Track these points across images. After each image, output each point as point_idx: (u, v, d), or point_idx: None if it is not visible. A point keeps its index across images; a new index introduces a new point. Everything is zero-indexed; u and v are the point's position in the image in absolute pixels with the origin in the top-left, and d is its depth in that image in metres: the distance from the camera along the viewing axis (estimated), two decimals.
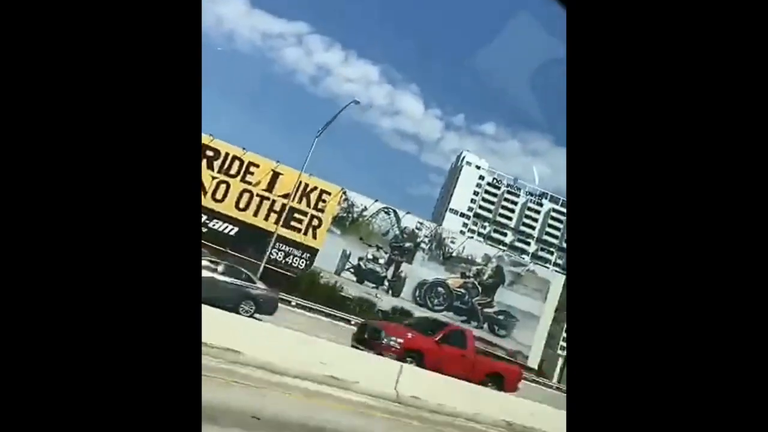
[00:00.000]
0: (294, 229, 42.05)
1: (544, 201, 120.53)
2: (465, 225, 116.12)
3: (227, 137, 44.07)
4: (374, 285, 42.91)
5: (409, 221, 45.21)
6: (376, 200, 44.79)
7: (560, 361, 53.87)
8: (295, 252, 41.68)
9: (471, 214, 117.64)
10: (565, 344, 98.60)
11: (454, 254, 45.39)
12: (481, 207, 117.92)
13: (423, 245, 45.04)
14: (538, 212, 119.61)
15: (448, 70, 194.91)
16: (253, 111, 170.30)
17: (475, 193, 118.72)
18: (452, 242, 46.13)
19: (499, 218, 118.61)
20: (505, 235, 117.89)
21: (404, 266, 44.10)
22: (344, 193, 44.18)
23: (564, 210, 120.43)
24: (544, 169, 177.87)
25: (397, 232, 44.68)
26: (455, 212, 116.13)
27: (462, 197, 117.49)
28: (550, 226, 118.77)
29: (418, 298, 43.45)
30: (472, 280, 45.14)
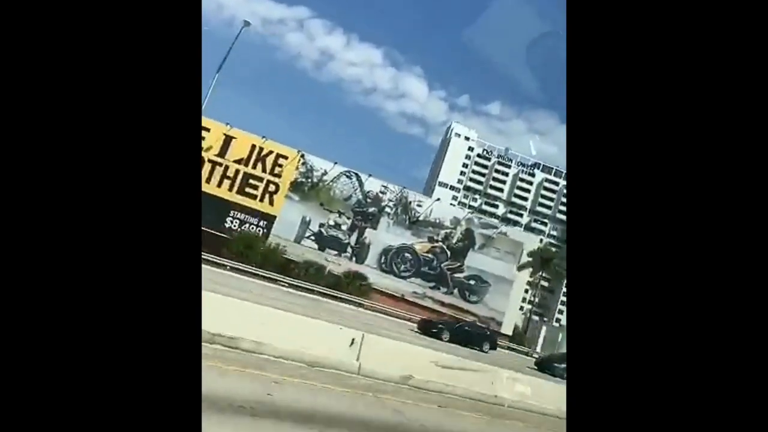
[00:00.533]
0: (249, 195, 40.12)
1: (536, 171, 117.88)
2: (455, 198, 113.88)
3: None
4: (336, 252, 41.01)
5: (373, 185, 43.11)
6: (336, 163, 42.68)
7: (544, 330, 51.90)
8: (251, 219, 39.78)
9: (461, 186, 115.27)
10: (560, 316, 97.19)
11: (421, 218, 43.36)
12: (471, 179, 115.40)
13: (388, 210, 43.04)
14: (531, 183, 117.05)
15: (451, 50, 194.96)
16: (257, 97, 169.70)
17: (465, 165, 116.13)
18: (419, 206, 44.08)
19: (490, 190, 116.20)
20: (496, 207, 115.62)
21: (368, 232, 42.14)
22: (302, 156, 42.07)
23: (557, 180, 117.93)
24: (549, 147, 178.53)
25: (360, 197, 42.64)
26: (444, 185, 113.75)
27: (451, 170, 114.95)
28: (543, 197, 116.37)
29: (383, 265, 41.56)
30: (440, 244, 43.19)
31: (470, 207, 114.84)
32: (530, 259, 45.90)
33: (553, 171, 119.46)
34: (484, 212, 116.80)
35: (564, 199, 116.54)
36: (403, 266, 42.25)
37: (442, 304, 41.17)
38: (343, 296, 34.73)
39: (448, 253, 43.30)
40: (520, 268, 44.81)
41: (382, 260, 41.76)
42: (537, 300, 69.33)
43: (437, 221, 43.99)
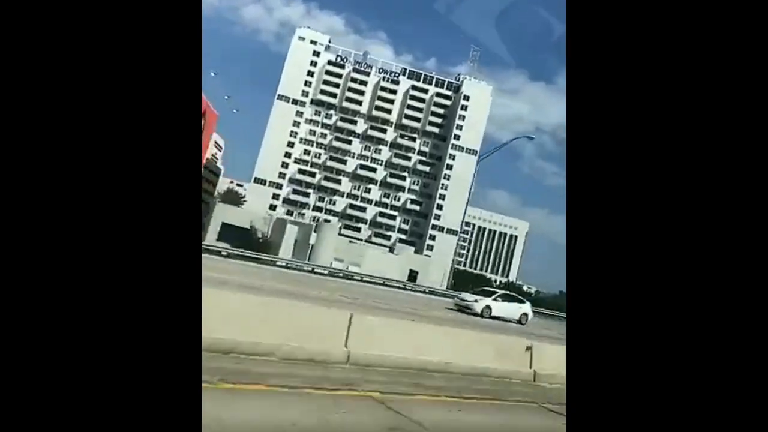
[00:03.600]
0: None
1: (401, 78, 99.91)
2: (299, 114, 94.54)
3: None
4: None
5: None
6: None
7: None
8: None
9: (307, 100, 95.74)
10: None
11: None
12: (322, 92, 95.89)
13: None
14: (395, 92, 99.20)
15: (414, 13, 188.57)
16: (220, 75, 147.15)
17: (310, 74, 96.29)
18: None
19: (346, 104, 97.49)
20: (354, 123, 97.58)
21: None
22: None
23: (427, 87, 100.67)
24: (522, 105, 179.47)
25: None
26: (286, 99, 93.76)
27: (294, 80, 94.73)
28: (410, 107, 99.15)
29: None
30: None
31: (323, 125, 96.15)
32: None
33: (422, 77, 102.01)
34: (341, 130, 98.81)
35: (434, 110, 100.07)
36: None
37: None
38: None
39: None
40: None
41: None
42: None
43: None
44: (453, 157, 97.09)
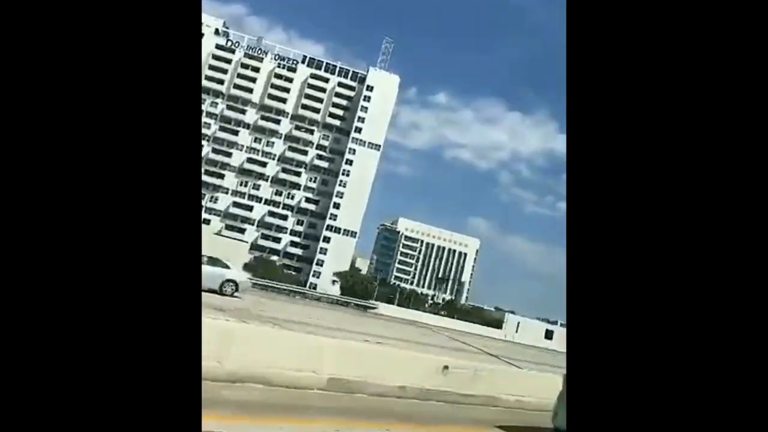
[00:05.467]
0: None
1: (300, 66, 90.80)
2: None
3: None
4: None
5: None
6: None
7: None
8: None
9: None
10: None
11: None
12: (207, 78, 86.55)
13: None
14: (291, 80, 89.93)
15: (395, 43, 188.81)
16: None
17: None
18: None
19: (235, 91, 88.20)
20: (243, 112, 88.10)
21: None
22: None
23: (328, 77, 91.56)
24: (500, 135, 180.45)
25: None
26: None
27: None
28: (308, 96, 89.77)
29: None
30: None
31: (207, 113, 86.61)
32: None
33: (324, 66, 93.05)
34: (228, 119, 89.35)
35: (336, 101, 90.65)
36: None
37: None
38: None
39: None
40: None
41: None
42: None
43: None
44: (353, 152, 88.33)
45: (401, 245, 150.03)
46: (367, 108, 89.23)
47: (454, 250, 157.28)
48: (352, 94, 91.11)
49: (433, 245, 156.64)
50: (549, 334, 34.39)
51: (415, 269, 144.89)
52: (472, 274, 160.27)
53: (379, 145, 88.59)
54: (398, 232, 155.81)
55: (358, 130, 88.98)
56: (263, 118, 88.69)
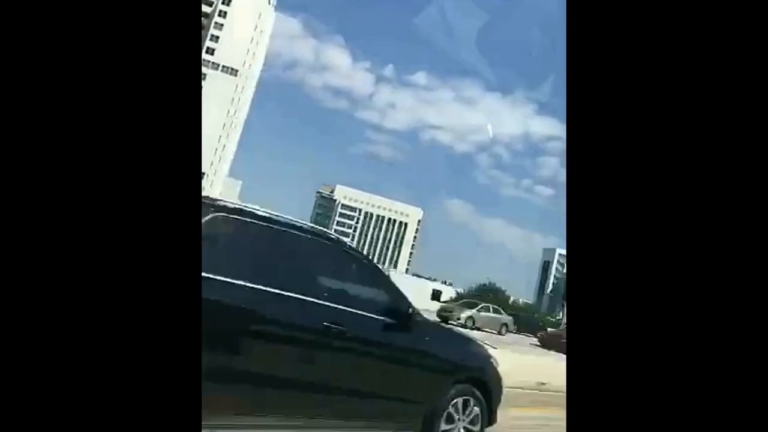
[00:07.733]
0: None
1: None
2: None
3: None
4: None
5: None
6: None
7: None
8: None
9: None
10: None
11: None
12: None
13: None
14: None
15: (373, 18, 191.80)
16: None
17: None
18: None
19: None
20: None
21: None
22: None
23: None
24: (478, 116, 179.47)
25: None
26: None
27: None
28: None
29: None
30: None
31: None
32: None
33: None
34: None
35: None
36: None
37: None
38: None
39: None
40: None
41: None
42: None
43: None
44: (204, 77, 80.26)
45: (338, 214, 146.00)
46: (222, 25, 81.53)
47: (395, 220, 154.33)
48: (208, 9, 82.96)
49: (371, 214, 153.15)
50: (436, 295, 33.24)
51: (353, 240, 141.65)
52: (413, 245, 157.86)
53: (237, 70, 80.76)
54: (335, 200, 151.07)
55: (210, 50, 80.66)
56: None
